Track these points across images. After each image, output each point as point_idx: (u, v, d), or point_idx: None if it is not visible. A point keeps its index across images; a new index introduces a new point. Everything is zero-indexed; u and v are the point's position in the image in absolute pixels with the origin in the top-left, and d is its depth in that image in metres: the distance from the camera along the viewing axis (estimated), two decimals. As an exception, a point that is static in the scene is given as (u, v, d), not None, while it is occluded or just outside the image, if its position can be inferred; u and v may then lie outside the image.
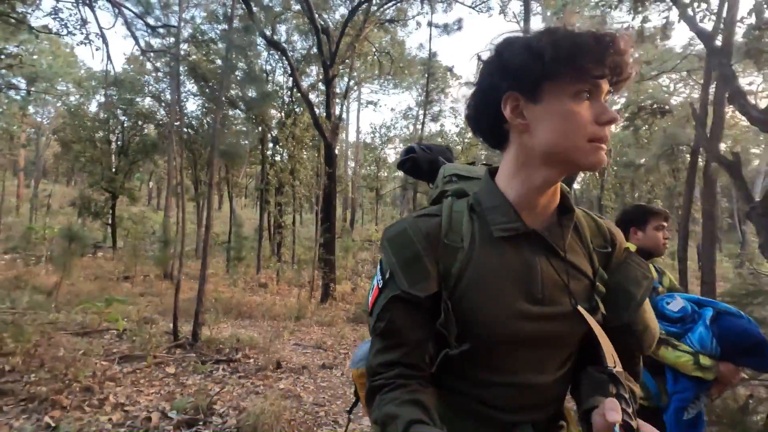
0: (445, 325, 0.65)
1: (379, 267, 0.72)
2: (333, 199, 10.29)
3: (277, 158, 16.16)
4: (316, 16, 10.13)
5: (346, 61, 10.89)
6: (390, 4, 10.66)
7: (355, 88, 17.82)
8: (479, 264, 0.66)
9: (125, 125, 18.35)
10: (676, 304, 1.58)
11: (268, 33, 11.56)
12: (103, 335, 4.98)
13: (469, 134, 21.56)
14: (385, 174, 28.17)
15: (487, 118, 0.69)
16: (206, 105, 16.38)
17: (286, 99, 17.19)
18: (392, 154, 29.35)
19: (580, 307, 0.66)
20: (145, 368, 3.91)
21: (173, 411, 2.73)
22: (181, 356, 4.41)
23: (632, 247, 1.72)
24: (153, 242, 18.10)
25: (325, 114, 10.53)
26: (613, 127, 0.68)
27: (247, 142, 18.07)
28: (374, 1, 9.69)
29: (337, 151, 11.53)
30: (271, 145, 16.63)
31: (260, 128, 15.39)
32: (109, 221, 17.95)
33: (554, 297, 0.66)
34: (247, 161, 19.07)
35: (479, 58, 0.69)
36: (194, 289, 10.69)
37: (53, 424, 2.34)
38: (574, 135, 0.61)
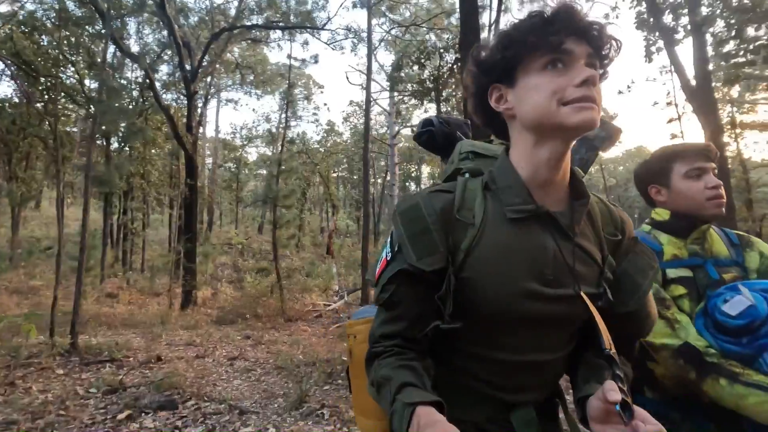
0: (443, 298, 0.71)
1: (388, 239, 0.78)
2: (195, 210, 11.16)
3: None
4: (177, 29, 10.85)
5: (208, 77, 11.81)
6: (250, 25, 11.96)
7: (215, 93, 18.27)
8: (490, 242, 0.71)
9: None
10: (739, 303, 0.98)
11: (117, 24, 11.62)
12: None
13: (330, 142, 23.74)
14: (246, 172, 28.54)
15: (486, 115, 0.79)
16: (22, 90, 14.87)
17: (135, 94, 16.71)
18: (254, 153, 29.84)
19: (582, 293, 0.70)
20: (34, 372, 4.83)
21: (93, 388, 4.00)
22: (63, 361, 5.35)
23: (664, 215, 1.23)
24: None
25: (185, 125, 11.29)
26: None
27: (77, 130, 16.86)
28: (235, 30, 10.93)
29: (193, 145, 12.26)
30: (116, 145, 15.99)
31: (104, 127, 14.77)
32: None
33: (562, 279, 0.71)
34: (77, 151, 17.74)
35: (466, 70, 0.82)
36: (21, 304, 10.46)
37: (6, 400, 3.46)
38: (545, 102, 0.67)
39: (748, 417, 0.93)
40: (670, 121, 9.46)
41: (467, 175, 0.81)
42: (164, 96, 14.81)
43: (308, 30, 11.48)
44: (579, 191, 0.75)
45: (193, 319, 9.25)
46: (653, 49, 7.67)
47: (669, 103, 9.57)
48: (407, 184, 36.87)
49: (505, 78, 0.73)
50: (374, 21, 14.09)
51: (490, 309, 0.70)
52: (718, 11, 6.36)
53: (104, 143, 15.40)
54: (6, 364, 4.84)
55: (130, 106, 15.72)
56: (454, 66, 6.63)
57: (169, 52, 14.05)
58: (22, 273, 14.62)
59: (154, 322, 8.77)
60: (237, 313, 10.29)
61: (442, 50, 7.10)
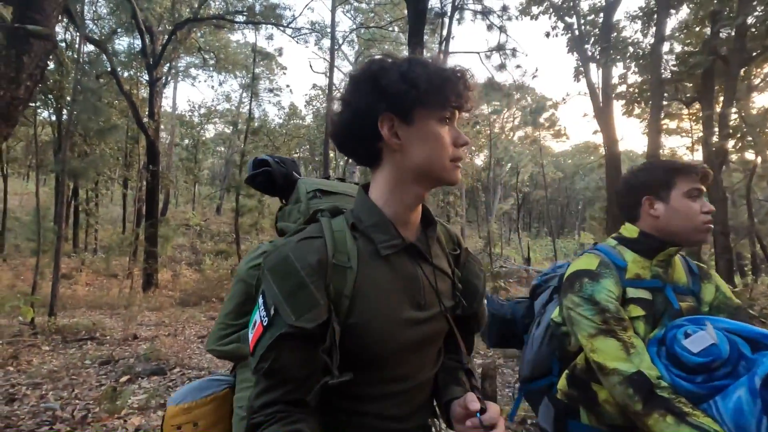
0: (328, 351, 0.69)
1: (261, 301, 0.73)
2: (156, 195, 11.70)
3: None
4: (139, 12, 11.14)
5: (171, 62, 12.18)
6: (215, 16, 12.39)
7: (175, 75, 18.31)
8: (369, 281, 0.74)
9: None
10: (701, 340, 0.96)
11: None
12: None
13: (291, 125, 24.22)
14: (203, 150, 28.44)
15: (359, 135, 0.76)
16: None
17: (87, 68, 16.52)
18: (212, 130, 29.70)
19: (446, 312, 0.82)
20: (23, 349, 5.60)
21: (88, 360, 4.86)
22: (44, 339, 6.11)
23: (633, 233, 1.21)
24: None
25: (148, 112, 11.70)
26: None
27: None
28: (200, 14, 11.37)
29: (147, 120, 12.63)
30: (66, 117, 15.87)
31: (56, 104, 14.70)
32: None
33: (431, 301, 0.79)
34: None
35: (351, 77, 0.77)
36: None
37: (19, 370, 4.30)
38: (440, 154, 0.74)
39: None
40: (595, 132, 11.02)
41: (328, 215, 0.81)
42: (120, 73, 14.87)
43: (273, 25, 12.06)
44: (428, 219, 0.84)
45: (157, 301, 9.98)
46: (581, 70, 9.10)
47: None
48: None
49: (403, 113, 0.73)
50: (339, 9, 14.76)
51: (380, 347, 0.72)
52: (619, 57, 7.82)
53: (55, 119, 15.29)
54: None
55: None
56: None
57: (123, 26, 14.16)
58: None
59: (119, 304, 9.45)
60: (199, 295, 11.08)
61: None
